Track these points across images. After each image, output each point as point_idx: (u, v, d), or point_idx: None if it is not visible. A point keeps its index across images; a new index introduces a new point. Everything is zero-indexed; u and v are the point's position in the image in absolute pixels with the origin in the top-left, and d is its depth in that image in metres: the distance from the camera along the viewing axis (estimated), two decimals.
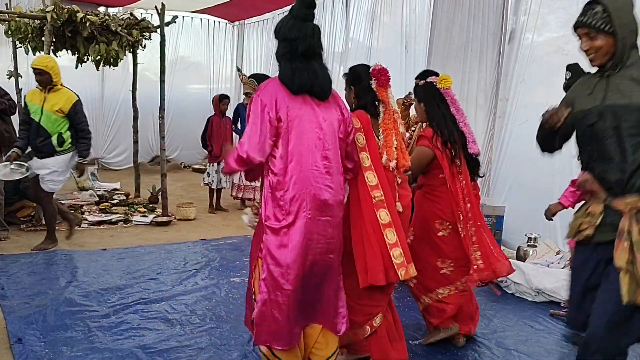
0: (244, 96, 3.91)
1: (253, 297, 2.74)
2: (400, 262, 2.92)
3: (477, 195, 3.71)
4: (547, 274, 4.69)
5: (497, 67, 6.34)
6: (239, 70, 4.00)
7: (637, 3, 2.51)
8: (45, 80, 5.07)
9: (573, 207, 3.80)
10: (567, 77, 4.02)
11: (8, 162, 5.08)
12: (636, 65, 2.30)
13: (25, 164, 5.11)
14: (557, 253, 5.24)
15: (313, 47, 2.71)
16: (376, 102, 3.25)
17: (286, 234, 2.57)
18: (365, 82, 3.23)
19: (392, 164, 3.13)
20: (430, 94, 3.58)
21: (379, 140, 3.18)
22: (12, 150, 5.16)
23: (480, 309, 4.32)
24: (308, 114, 2.69)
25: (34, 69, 5.09)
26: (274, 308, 2.57)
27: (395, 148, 3.17)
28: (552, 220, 4.12)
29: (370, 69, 3.26)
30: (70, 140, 5.24)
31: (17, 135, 5.58)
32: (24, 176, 5.17)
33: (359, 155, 3.03)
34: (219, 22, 11.61)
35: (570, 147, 5.59)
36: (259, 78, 3.82)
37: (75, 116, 5.20)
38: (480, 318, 4.14)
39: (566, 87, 3.95)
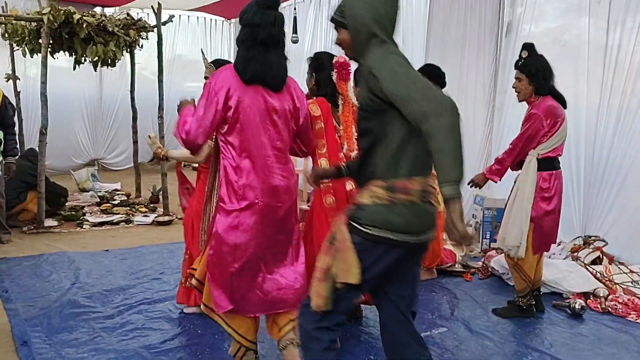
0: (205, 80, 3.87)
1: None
2: None
3: None
4: (548, 265, 4.70)
5: (494, 60, 6.34)
6: (202, 54, 3.95)
7: None
8: None
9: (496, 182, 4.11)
10: (524, 56, 3.98)
11: None
12: (372, 57, 2.15)
13: None
14: (559, 244, 5.25)
15: (273, 35, 2.71)
16: (336, 93, 3.36)
17: (237, 217, 2.69)
18: (327, 71, 3.33)
19: (353, 154, 3.27)
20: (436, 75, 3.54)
21: (339, 130, 3.33)
22: None
23: (482, 301, 4.36)
24: (259, 104, 2.72)
25: None
26: (217, 282, 2.76)
27: (355, 139, 3.26)
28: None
29: (333, 61, 3.31)
30: None
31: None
32: None
33: (315, 142, 3.19)
34: (216, 19, 11.59)
35: (569, 139, 5.59)
36: (219, 64, 3.79)
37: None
38: (482, 310, 4.18)
39: (521, 66, 3.97)
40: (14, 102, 6.59)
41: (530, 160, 3.87)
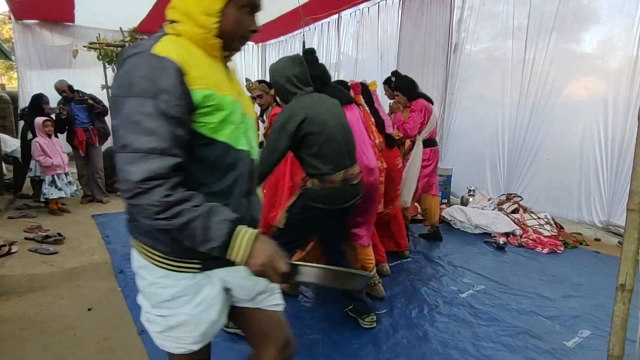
0: (257, 99, 3.86)
1: None
2: None
3: (396, 156, 3.61)
4: (482, 214, 4.74)
5: (445, 70, 6.25)
6: (247, 80, 3.96)
7: None
8: None
9: None
10: (394, 80, 4.16)
11: None
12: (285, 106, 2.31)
13: None
14: (489, 200, 5.28)
15: (330, 78, 2.80)
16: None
17: None
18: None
19: (377, 141, 3.23)
20: (364, 92, 3.47)
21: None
22: None
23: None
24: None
25: None
26: None
27: (374, 131, 3.29)
28: None
29: (349, 83, 3.30)
30: None
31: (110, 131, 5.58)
32: None
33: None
34: (248, 44, 11.36)
35: (497, 127, 5.52)
36: (267, 82, 3.81)
37: None
38: (436, 245, 4.22)
39: (394, 87, 4.12)
40: (107, 105, 6.55)
41: (419, 142, 4.02)
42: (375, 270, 3.01)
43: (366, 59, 7.83)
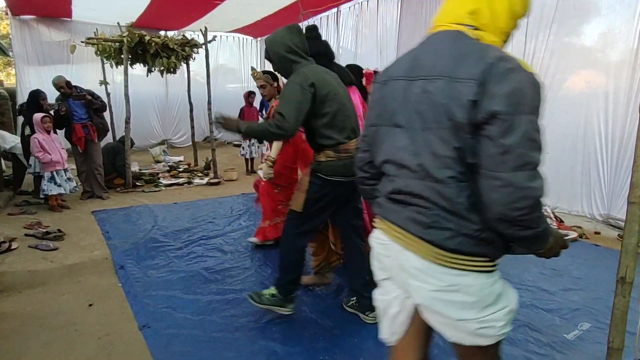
0: (261, 89, 3.84)
1: None
2: None
3: None
4: None
5: None
6: (253, 69, 3.92)
7: None
8: None
9: None
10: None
11: None
12: (292, 76, 2.26)
13: None
14: None
15: (333, 54, 2.82)
16: (367, 93, 3.33)
17: None
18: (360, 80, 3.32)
19: None
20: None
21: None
22: None
23: None
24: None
25: None
26: None
27: None
28: None
29: (364, 71, 3.31)
30: None
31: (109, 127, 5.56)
32: None
33: None
34: (246, 38, 11.33)
35: None
36: (271, 73, 3.79)
37: None
38: None
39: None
40: (106, 101, 6.52)
41: None
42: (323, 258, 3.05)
43: (365, 53, 7.79)
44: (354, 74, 3.07)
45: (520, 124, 1.01)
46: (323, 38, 2.91)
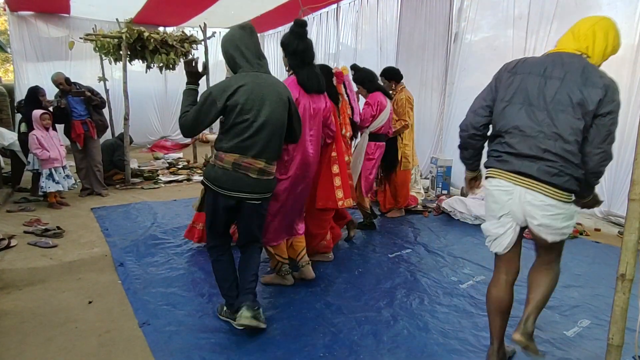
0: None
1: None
2: (340, 197, 3.25)
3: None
4: (482, 205, 4.73)
5: (445, 60, 6.22)
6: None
7: None
8: None
9: None
10: (353, 74, 4.16)
11: None
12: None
13: None
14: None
15: (313, 56, 2.77)
16: (337, 94, 3.37)
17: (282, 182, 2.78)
18: (330, 80, 3.29)
19: (347, 134, 3.46)
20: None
21: (340, 119, 3.35)
22: None
23: (436, 230, 4.41)
24: (308, 105, 2.76)
25: None
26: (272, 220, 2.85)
27: (347, 124, 3.47)
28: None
29: (333, 70, 3.32)
30: None
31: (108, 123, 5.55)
32: None
33: (336, 129, 3.21)
34: None
35: None
36: None
37: None
38: (435, 236, 4.23)
39: (354, 80, 4.10)
40: (105, 97, 6.52)
41: (365, 135, 4.09)
42: (305, 251, 3.11)
43: (365, 49, 7.77)
44: (323, 74, 3.02)
45: (617, 119, 1.77)
46: (323, 34, 2.92)
